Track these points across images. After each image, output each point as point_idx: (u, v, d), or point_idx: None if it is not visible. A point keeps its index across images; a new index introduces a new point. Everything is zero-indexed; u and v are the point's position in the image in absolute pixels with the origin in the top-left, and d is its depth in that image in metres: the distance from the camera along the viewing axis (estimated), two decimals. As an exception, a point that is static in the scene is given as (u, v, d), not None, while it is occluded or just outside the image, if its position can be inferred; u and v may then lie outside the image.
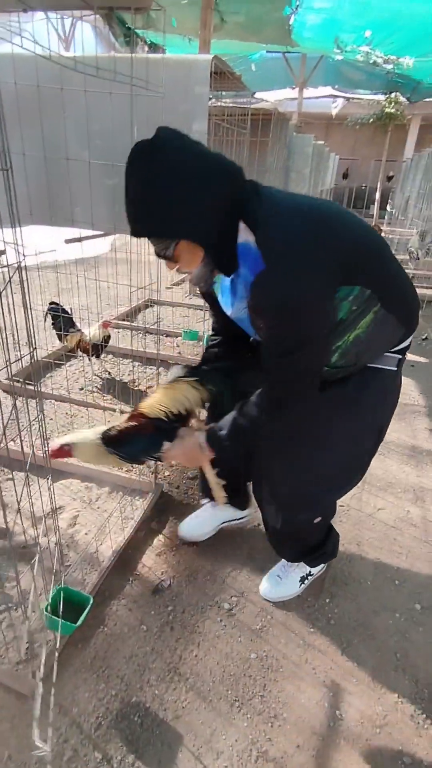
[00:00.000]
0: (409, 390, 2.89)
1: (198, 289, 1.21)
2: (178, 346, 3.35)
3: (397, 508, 1.88)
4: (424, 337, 3.76)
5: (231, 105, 3.36)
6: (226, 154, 0.93)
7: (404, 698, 1.22)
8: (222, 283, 1.12)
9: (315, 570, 1.47)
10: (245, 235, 0.93)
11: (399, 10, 4.39)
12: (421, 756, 1.10)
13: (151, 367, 2.88)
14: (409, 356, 3.39)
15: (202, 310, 4.05)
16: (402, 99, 8.80)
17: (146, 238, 0.96)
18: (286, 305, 0.90)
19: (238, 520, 1.68)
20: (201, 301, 4.27)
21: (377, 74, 6.95)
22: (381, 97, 9.08)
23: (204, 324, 3.66)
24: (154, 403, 1.25)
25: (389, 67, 6.24)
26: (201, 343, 3.15)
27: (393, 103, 9.31)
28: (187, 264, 0.99)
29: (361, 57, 5.91)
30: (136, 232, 0.94)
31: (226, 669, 1.26)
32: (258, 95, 9.77)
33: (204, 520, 1.64)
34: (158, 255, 0.99)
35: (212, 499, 1.54)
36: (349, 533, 1.73)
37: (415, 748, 1.12)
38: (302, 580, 1.46)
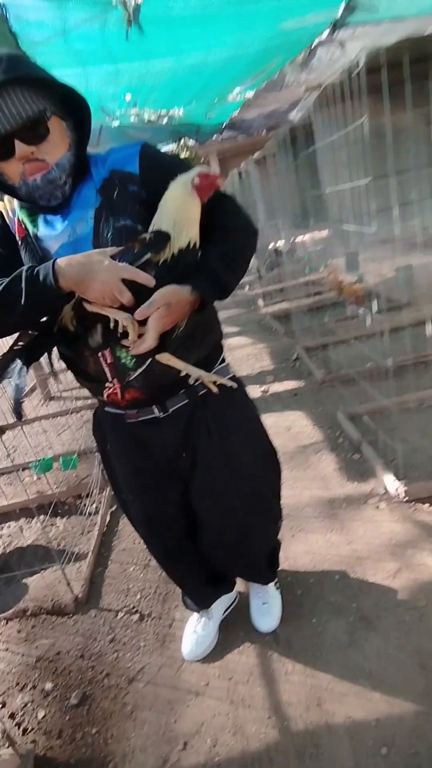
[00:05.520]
0: (301, 425, 2.64)
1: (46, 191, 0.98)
2: (35, 481, 2.74)
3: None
4: (294, 358, 3.63)
5: None
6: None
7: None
8: (47, 220, 1.04)
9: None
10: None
11: (146, 71, 4.49)
12: None
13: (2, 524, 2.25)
14: (288, 384, 3.23)
15: (65, 416, 3.51)
16: (191, 142, 9.37)
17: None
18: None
19: (232, 604, 1.59)
20: (60, 406, 3.61)
21: (159, 128, 7.20)
22: (173, 146, 9.58)
23: (66, 437, 3.09)
24: None
25: (164, 121, 6.48)
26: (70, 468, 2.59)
27: (185, 149, 9.93)
28: (54, 147, 0.93)
29: (135, 118, 6.03)
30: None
31: None
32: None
33: (203, 633, 1.47)
34: (25, 129, 0.89)
35: (200, 609, 1.49)
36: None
37: None
38: (278, 588, 1.56)
